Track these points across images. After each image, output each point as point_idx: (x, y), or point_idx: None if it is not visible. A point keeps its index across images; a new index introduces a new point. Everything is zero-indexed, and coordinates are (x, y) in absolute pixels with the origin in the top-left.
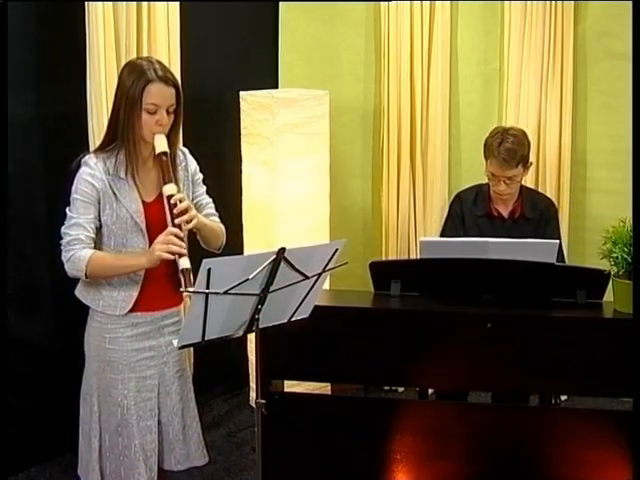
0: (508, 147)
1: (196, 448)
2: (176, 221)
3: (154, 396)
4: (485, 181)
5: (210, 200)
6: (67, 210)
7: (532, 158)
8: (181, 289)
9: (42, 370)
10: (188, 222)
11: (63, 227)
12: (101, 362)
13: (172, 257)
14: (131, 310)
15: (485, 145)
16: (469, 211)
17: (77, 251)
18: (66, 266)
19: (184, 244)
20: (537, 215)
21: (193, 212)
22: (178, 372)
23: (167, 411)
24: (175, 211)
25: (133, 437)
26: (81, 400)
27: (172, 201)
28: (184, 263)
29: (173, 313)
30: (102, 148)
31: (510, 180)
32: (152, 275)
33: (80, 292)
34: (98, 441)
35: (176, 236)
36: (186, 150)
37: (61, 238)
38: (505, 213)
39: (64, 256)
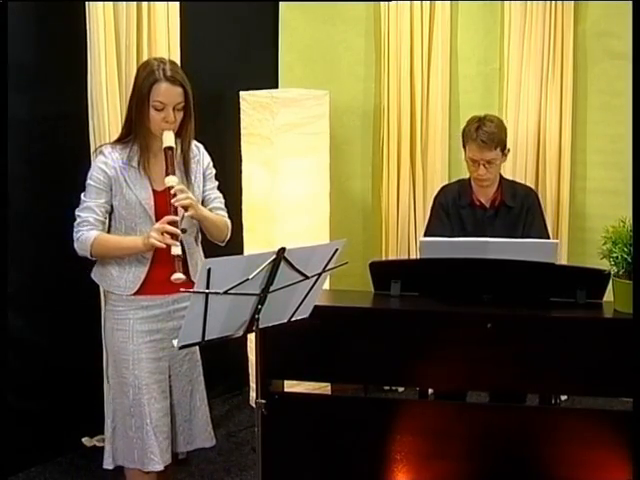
0: (487, 130)
1: (203, 430)
2: (172, 201)
3: (166, 378)
4: (467, 176)
5: (220, 195)
6: (82, 195)
7: (532, 158)
8: (172, 277)
9: (42, 370)
10: (185, 208)
11: (76, 210)
12: (114, 344)
13: (163, 245)
14: (140, 292)
15: (463, 133)
16: (453, 202)
17: (84, 232)
18: (75, 245)
19: (178, 231)
20: (518, 203)
21: (192, 201)
22: (187, 355)
23: (177, 393)
24: (173, 200)
25: (145, 417)
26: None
27: (172, 191)
28: (175, 250)
29: (184, 297)
30: (119, 140)
31: (489, 164)
32: (161, 258)
33: (94, 273)
34: (112, 422)
35: (170, 223)
36: (201, 145)
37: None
38: (486, 202)
39: (74, 236)
